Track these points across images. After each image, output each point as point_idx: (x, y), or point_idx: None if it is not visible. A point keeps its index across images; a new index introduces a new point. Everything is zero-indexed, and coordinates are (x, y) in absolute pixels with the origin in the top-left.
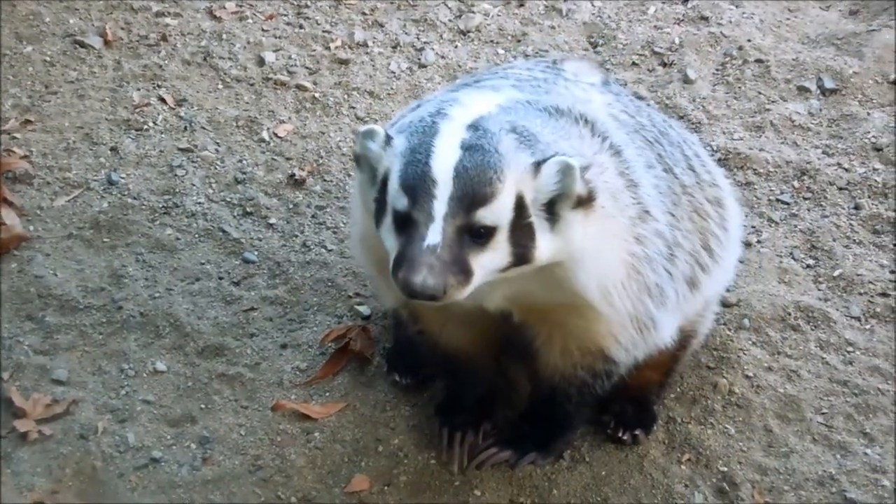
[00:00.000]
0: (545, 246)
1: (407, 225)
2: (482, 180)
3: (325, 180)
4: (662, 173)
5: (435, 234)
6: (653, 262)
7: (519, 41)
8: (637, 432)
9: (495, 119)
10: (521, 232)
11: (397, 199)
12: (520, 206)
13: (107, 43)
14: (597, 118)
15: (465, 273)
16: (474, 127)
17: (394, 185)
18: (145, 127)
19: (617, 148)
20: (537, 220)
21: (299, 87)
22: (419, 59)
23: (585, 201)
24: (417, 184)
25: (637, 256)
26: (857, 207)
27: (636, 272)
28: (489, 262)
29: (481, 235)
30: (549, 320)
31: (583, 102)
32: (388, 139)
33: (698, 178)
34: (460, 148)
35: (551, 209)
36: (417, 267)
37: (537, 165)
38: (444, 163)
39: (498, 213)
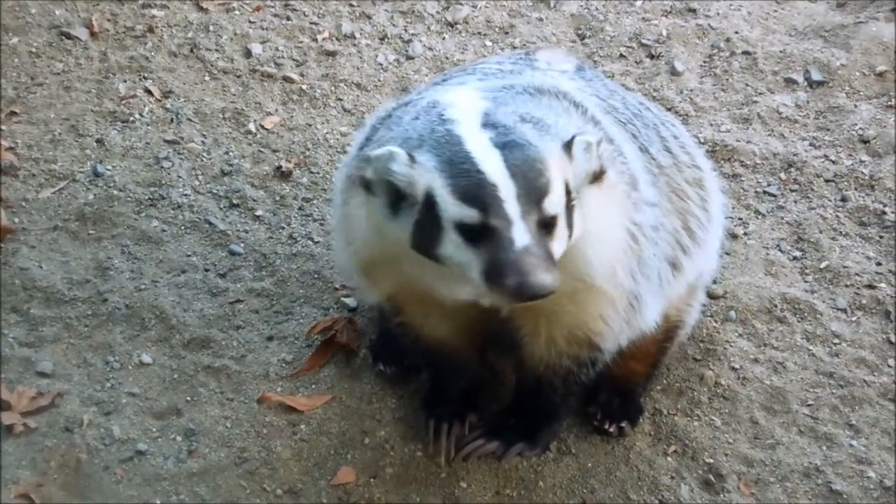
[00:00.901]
0: (577, 223)
1: (483, 235)
2: (536, 172)
3: (311, 172)
4: (638, 152)
5: (523, 235)
6: (645, 232)
7: (507, 33)
8: (623, 424)
9: (501, 113)
10: (569, 213)
11: (461, 213)
12: (567, 189)
13: (93, 34)
14: (570, 91)
15: (554, 263)
16: (491, 125)
17: (448, 200)
18: (131, 119)
19: (597, 119)
20: (575, 199)
21: (286, 79)
22: (407, 50)
23: (599, 175)
24: (480, 193)
25: (636, 224)
26: (843, 199)
27: (634, 242)
28: (558, 248)
29: (548, 225)
30: (536, 311)
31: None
32: (412, 158)
33: (676, 159)
34: (496, 148)
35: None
36: (527, 268)
37: (567, 147)
38: (493, 166)
39: (558, 199)
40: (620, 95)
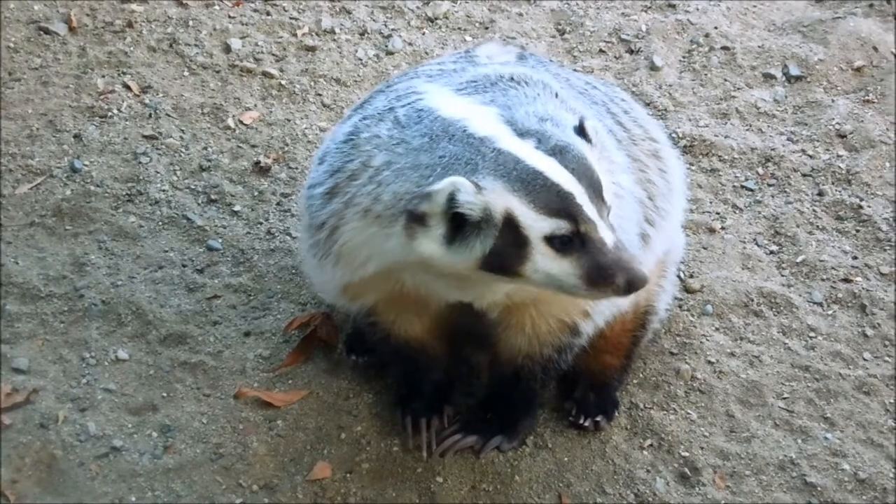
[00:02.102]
0: None
1: (573, 242)
2: (589, 169)
3: (290, 168)
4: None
5: (609, 234)
6: (625, 192)
7: (486, 28)
8: (598, 419)
9: (518, 117)
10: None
11: (551, 226)
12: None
13: (71, 29)
14: (525, 73)
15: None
16: (524, 133)
17: (532, 217)
18: (109, 114)
19: (562, 97)
20: None
21: (265, 75)
22: (387, 46)
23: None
24: (563, 203)
25: (620, 186)
26: (820, 194)
27: (618, 206)
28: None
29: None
30: (526, 304)
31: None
32: (477, 186)
33: (629, 132)
34: (548, 155)
35: None
36: (627, 264)
37: (585, 136)
38: (559, 174)
39: (608, 189)
40: (564, 77)
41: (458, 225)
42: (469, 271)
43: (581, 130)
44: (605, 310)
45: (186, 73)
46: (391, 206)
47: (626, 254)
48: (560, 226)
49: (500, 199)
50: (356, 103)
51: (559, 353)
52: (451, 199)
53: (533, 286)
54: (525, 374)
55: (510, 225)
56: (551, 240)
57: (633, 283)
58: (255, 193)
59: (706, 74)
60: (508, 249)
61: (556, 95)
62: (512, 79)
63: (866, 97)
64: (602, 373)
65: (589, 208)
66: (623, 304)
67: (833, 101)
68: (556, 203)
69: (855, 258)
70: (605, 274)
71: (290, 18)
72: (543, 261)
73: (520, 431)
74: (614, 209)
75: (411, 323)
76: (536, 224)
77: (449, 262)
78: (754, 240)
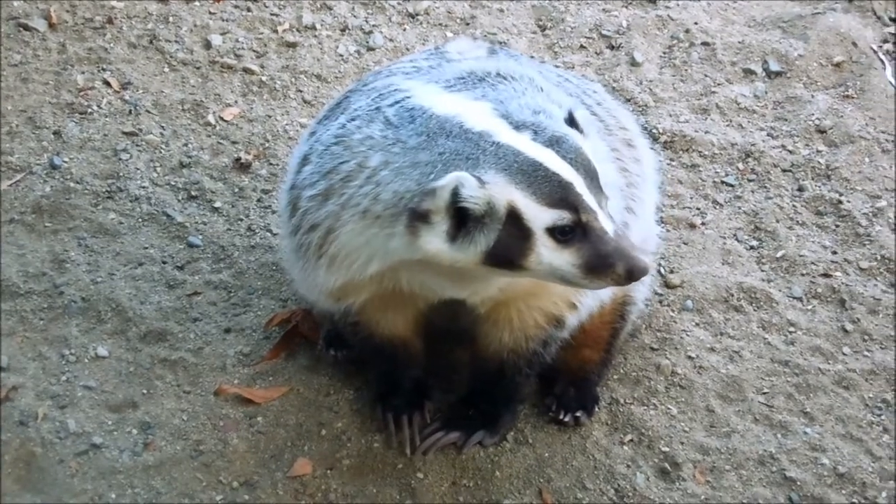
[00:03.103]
0: None
1: (573, 233)
2: (586, 159)
3: (270, 164)
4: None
5: (609, 223)
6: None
7: (468, 24)
8: (579, 414)
9: (511, 109)
10: None
11: (553, 217)
12: None
13: (51, 26)
14: (511, 68)
15: None
16: (517, 126)
17: (535, 208)
18: (89, 111)
19: (545, 89)
20: None
21: (246, 71)
22: (367, 42)
23: None
24: (564, 194)
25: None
26: (800, 189)
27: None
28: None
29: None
30: (511, 300)
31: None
32: (480, 180)
33: (605, 123)
34: (545, 146)
35: None
36: (628, 252)
37: (575, 126)
38: (558, 165)
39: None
40: (536, 69)
41: (462, 220)
42: (472, 266)
43: (572, 121)
44: (590, 301)
45: (167, 70)
46: (392, 206)
47: (626, 242)
48: (562, 216)
49: (503, 192)
50: (331, 103)
51: (544, 347)
52: (455, 194)
53: (535, 278)
54: (509, 369)
55: (513, 217)
56: (553, 231)
57: (633, 272)
58: (236, 190)
59: (686, 70)
60: (512, 242)
61: (542, 89)
62: (499, 74)
63: (846, 93)
64: (582, 368)
65: (588, 198)
66: (604, 295)
67: (813, 96)
68: (558, 194)
69: (834, 253)
70: (607, 263)
71: (271, 14)
72: (546, 252)
73: (501, 426)
74: (610, 198)
75: (395, 321)
76: (539, 215)
77: (453, 258)
78: (734, 235)
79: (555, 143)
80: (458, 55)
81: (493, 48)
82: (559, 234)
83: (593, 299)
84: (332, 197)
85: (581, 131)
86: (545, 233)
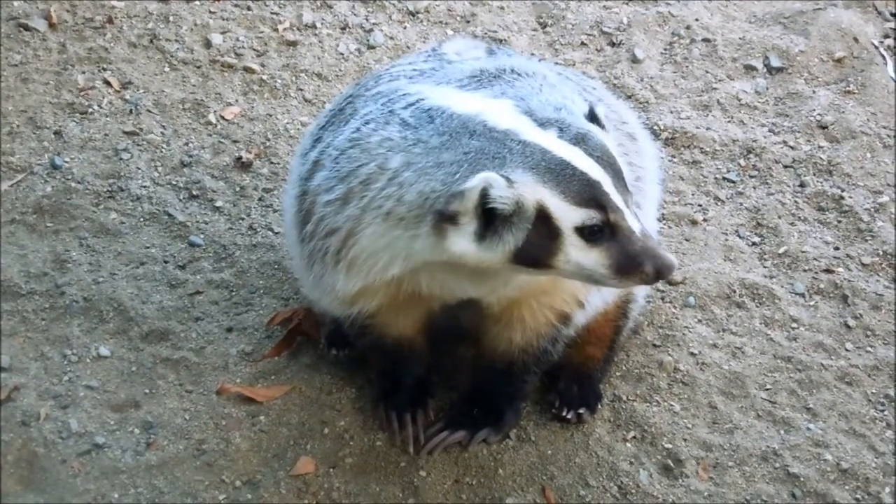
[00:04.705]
0: None
1: (602, 232)
2: (611, 156)
3: (272, 163)
4: None
5: (636, 222)
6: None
7: (468, 22)
8: (581, 411)
9: (534, 106)
10: None
11: (582, 216)
12: None
13: (51, 26)
14: (524, 65)
15: None
16: (542, 123)
17: (564, 208)
18: (90, 110)
19: (555, 82)
20: None
21: (247, 70)
22: (368, 40)
23: None
24: (593, 193)
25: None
26: (802, 185)
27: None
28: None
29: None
30: (524, 299)
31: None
32: (508, 180)
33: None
34: (571, 144)
35: None
36: (655, 252)
37: (597, 121)
38: (584, 163)
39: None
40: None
41: (490, 220)
42: (499, 265)
43: (593, 117)
44: (597, 300)
45: (167, 69)
46: (417, 207)
47: (651, 241)
48: (591, 216)
49: (532, 191)
50: (331, 109)
51: (553, 345)
52: (485, 195)
53: (562, 276)
54: (518, 368)
55: (542, 217)
56: (582, 230)
57: (661, 271)
58: (237, 189)
59: (687, 66)
60: (541, 242)
61: (555, 86)
62: (513, 70)
63: (847, 88)
64: (585, 364)
65: (616, 196)
66: (609, 296)
67: (814, 92)
68: (587, 193)
69: (837, 249)
70: (635, 262)
71: (271, 13)
72: (574, 251)
73: (506, 424)
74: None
75: (405, 322)
76: (568, 215)
77: (480, 258)
78: (736, 231)
79: (581, 140)
80: (455, 56)
81: (491, 48)
82: (588, 233)
83: (599, 299)
84: (352, 200)
85: (603, 127)
86: (574, 232)
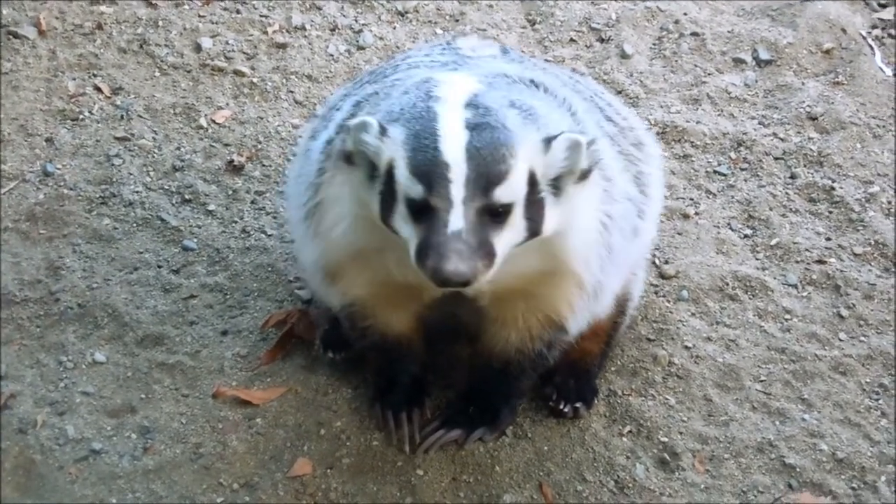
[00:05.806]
0: (552, 218)
1: (425, 212)
2: (496, 158)
3: (263, 165)
4: (609, 140)
5: (458, 220)
6: (617, 223)
7: (457, 21)
8: (578, 405)
9: (491, 96)
10: (534, 206)
11: (410, 187)
12: (532, 181)
13: (41, 33)
14: (551, 84)
15: (490, 255)
16: (474, 106)
17: (403, 173)
18: (81, 117)
19: (574, 110)
20: (545, 193)
21: (237, 73)
22: (357, 41)
23: (586, 174)
24: (430, 170)
25: (609, 216)
26: (792, 177)
27: (606, 232)
28: (508, 239)
29: (499, 214)
30: (514, 299)
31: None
32: (384, 129)
33: (618, 126)
34: (466, 129)
35: (556, 183)
36: (446, 254)
37: (547, 142)
38: (453, 145)
39: (514, 189)
40: (553, 72)
41: (372, 168)
42: (379, 223)
43: (549, 141)
44: (587, 314)
45: (157, 74)
46: (339, 144)
47: (458, 245)
48: (417, 190)
49: (391, 147)
50: (347, 103)
51: (549, 349)
52: (361, 138)
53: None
54: (515, 369)
55: (389, 175)
56: (408, 202)
57: (437, 275)
58: (230, 192)
59: (676, 61)
60: (387, 200)
61: (572, 112)
62: (532, 82)
63: (836, 79)
64: (582, 359)
65: (456, 188)
66: (605, 310)
67: (803, 83)
68: (427, 168)
69: (828, 239)
70: (425, 253)
71: (261, 16)
72: (401, 221)
73: (502, 423)
74: (597, 239)
75: (398, 318)
76: (403, 181)
77: (374, 212)
78: (728, 224)
79: (477, 128)
80: (471, 51)
81: (505, 48)
82: (412, 207)
83: (590, 313)
84: (332, 154)
85: (547, 150)
86: (403, 201)
